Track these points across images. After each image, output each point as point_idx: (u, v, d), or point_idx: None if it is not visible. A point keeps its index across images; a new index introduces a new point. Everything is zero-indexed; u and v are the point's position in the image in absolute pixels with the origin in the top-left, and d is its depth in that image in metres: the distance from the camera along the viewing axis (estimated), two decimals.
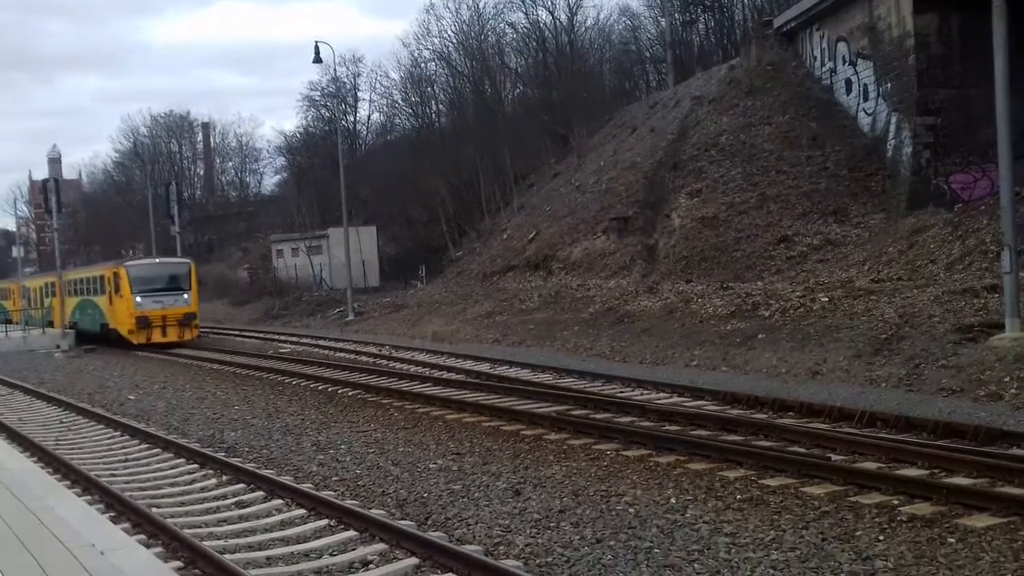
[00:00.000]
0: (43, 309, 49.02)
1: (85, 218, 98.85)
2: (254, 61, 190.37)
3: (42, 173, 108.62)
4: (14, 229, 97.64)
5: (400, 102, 72.25)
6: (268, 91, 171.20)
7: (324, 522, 10.19)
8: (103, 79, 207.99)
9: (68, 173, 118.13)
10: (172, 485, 12.85)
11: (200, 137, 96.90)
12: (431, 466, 12.76)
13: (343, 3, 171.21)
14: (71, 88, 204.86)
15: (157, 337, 36.44)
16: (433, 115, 68.67)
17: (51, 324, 46.65)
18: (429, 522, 10.08)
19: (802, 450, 12.08)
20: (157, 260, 40.19)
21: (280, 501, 11.25)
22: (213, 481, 12.78)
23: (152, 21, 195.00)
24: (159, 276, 37.74)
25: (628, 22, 65.87)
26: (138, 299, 36.41)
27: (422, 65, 67.05)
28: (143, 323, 36.46)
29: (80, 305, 43.03)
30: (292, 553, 9.27)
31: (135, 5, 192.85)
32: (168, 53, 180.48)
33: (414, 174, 59.66)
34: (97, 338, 39.91)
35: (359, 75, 75.07)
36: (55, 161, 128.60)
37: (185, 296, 37.55)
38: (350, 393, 20.61)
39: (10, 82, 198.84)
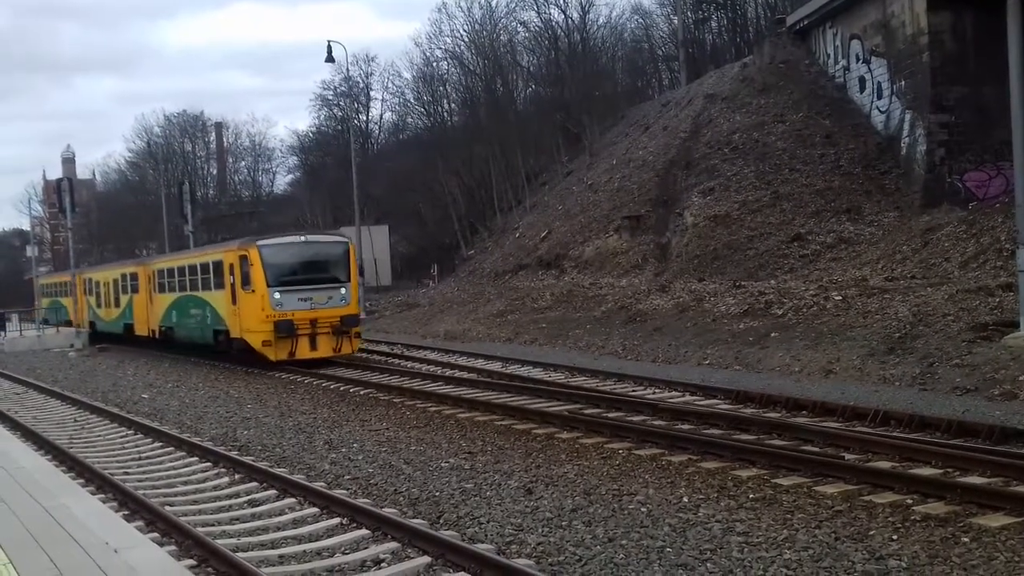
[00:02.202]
0: (119, 309, 39.24)
1: (99, 218, 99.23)
2: (268, 62, 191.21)
3: (56, 173, 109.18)
4: (28, 229, 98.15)
5: (412, 101, 72.37)
6: (282, 92, 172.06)
7: (336, 520, 10.21)
8: (118, 81, 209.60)
9: (82, 173, 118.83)
10: (185, 483, 12.91)
11: (213, 137, 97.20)
12: (443, 465, 12.78)
13: (357, 5, 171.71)
14: (86, 90, 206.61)
15: (304, 351, 25.30)
16: (445, 114, 68.71)
17: (130, 329, 37.40)
18: (441, 521, 10.09)
19: (815, 449, 12.04)
20: (302, 237, 27.42)
21: (292, 499, 11.28)
22: (226, 479, 12.82)
23: (167, 23, 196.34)
24: (306, 261, 26.54)
25: (640, 20, 65.83)
26: (276, 295, 25.10)
27: (434, 64, 67.14)
28: (285, 330, 25.00)
29: (179, 304, 31.95)
30: (304, 551, 9.29)
31: (150, 8, 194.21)
32: (183, 55, 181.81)
33: (426, 173, 59.72)
34: (207, 350, 29.94)
35: (372, 75, 75.32)
36: (69, 161, 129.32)
37: (343, 291, 26.02)
38: (362, 392, 20.64)
39: (27, 85, 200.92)
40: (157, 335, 34.32)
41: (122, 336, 38.75)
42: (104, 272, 42.93)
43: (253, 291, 25.47)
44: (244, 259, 25.99)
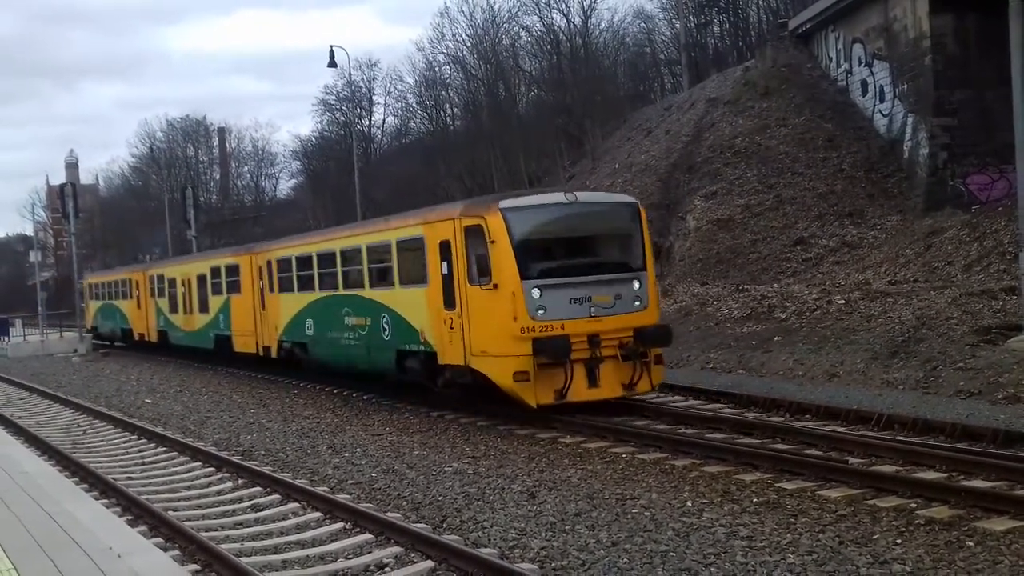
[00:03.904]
0: (208, 315, 29.48)
1: (102, 223, 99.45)
2: (272, 68, 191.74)
3: (60, 178, 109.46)
4: (32, 234, 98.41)
5: (415, 106, 72.33)
6: (285, 97, 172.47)
7: (340, 525, 10.22)
8: (124, 86, 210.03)
9: (86, 178, 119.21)
10: (189, 488, 12.93)
11: (216, 142, 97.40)
12: (446, 469, 12.78)
13: (361, 11, 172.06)
14: (91, 95, 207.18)
15: (580, 390, 15.10)
16: (447, 118, 68.72)
17: (226, 342, 27.97)
18: (444, 525, 10.09)
19: (819, 453, 12.03)
20: (568, 196, 16.41)
21: (296, 504, 11.30)
22: (229, 484, 12.84)
23: (173, 29, 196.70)
24: (578, 236, 16.53)
25: (642, 24, 65.77)
26: (536, 293, 15.16)
27: (436, 69, 67.11)
28: (555, 352, 14.81)
29: (321, 309, 21.53)
30: (308, 556, 9.31)
31: (157, 14, 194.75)
32: (188, 60, 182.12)
33: (429, 177, 59.79)
34: (374, 381, 20.55)
35: (374, 79, 75.18)
36: (72, 166, 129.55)
37: (636, 285, 15.94)
38: (365, 397, 20.63)
39: (32, 89, 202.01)
40: (275, 353, 24.25)
41: (213, 352, 29.61)
42: (183, 266, 33.35)
43: (495, 287, 15.17)
44: (475, 232, 15.62)
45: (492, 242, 15.30)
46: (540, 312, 15.06)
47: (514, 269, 15.14)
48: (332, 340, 21.05)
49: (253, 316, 25.58)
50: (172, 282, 33.23)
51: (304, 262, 22.53)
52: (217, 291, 28.63)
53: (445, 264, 16.37)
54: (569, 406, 15.24)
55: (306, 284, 22.44)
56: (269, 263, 24.59)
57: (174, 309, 32.89)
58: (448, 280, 16.29)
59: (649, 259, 16.42)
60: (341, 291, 20.60)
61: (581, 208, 16.28)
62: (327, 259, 21.38)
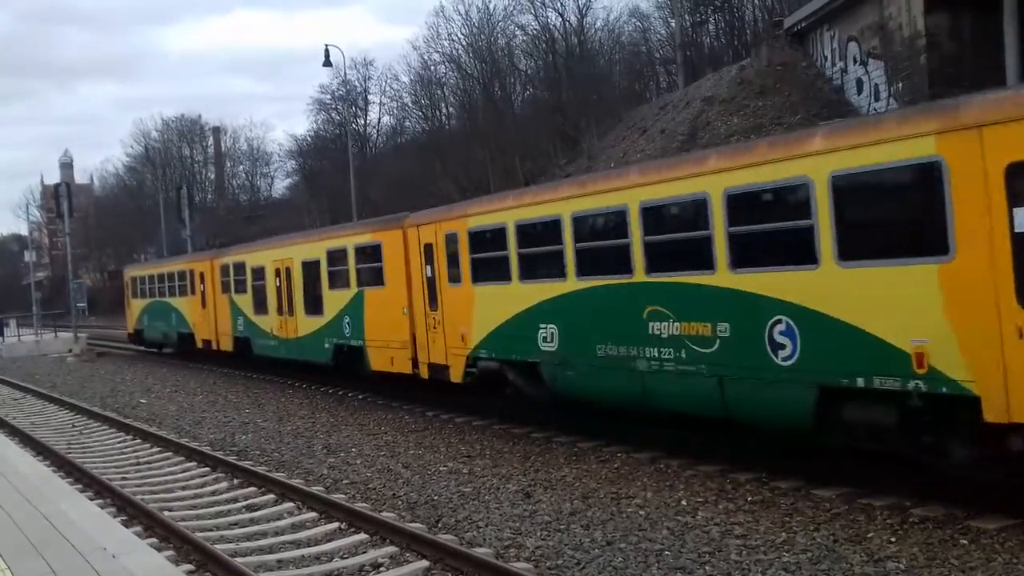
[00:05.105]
0: (322, 317, 21.44)
1: (97, 222, 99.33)
2: (268, 67, 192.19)
3: (55, 178, 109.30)
4: (26, 234, 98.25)
5: (410, 105, 72.36)
6: (281, 97, 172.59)
7: (335, 525, 10.22)
8: (119, 86, 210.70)
9: (80, 178, 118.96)
10: (184, 488, 12.91)
11: (211, 141, 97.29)
12: (441, 469, 12.78)
13: (357, 11, 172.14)
14: (87, 95, 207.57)
15: None
16: (443, 117, 68.74)
17: (354, 355, 20.34)
18: (440, 525, 10.09)
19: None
20: None
21: (291, 504, 11.29)
22: (224, 484, 12.83)
23: (169, 29, 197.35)
24: None
25: (638, 23, 65.77)
26: None
27: (432, 68, 67.14)
28: None
29: (572, 307, 13.29)
30: (303, 556, 9.30)
31: (153, 14, 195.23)
32: (183, 60, 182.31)
33: (424, 176, 59.76)
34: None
35: (369, 79, 75.22)
36: (67, 166, 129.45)
37: None
38: (360, 396, 20.61)
39: (29, 90, 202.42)
40: (457, 375, 16.36)
41: (331, 369, 21.79)
42: (277, 250, 24.58)
43: None
44: None
45: None
46: None
47: None
48: (611, 361, 12.61)
49: (409, 319, 17.89)
50: (259, 272, 25.18)
51: (535, 232, 14.24)
52: (338, 283, 20.82)
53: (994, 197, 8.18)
54: None
55: (540, 267, 14.16)
56: (451, 238, 16.33)
57: (261, 309, 24.88)
58: None
59: None
60: (640, 278, 12.12)
61: None
62: (598, 224, 13.10)
